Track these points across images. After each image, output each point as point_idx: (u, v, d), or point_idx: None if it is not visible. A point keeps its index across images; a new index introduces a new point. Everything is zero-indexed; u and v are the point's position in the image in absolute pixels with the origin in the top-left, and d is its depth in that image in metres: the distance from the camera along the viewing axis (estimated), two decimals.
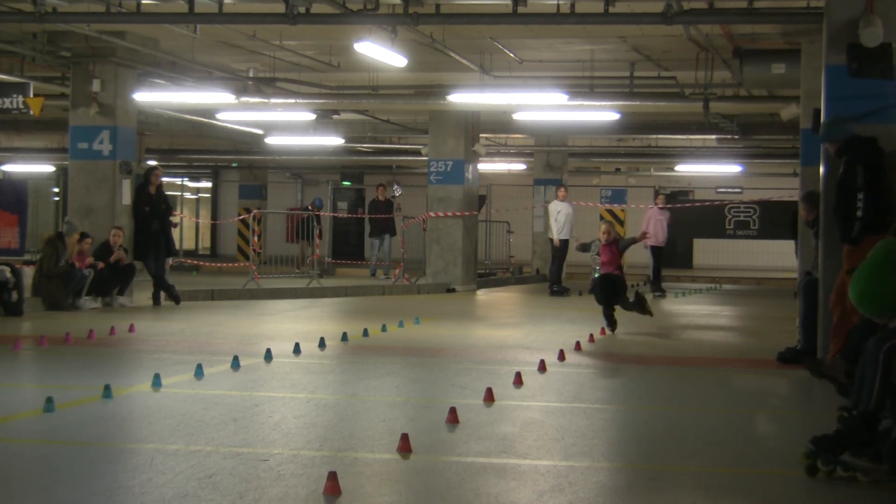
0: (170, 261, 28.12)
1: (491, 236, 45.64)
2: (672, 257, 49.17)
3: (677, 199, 52.06)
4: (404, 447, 10.06)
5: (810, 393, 14.28)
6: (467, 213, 35.23)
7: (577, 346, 18.29)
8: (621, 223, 53.82)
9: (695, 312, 29.06)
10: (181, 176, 59.99)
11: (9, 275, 23.02)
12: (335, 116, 37.71)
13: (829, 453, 9.17)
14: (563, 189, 35.23)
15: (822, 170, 15.80)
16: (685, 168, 50.29)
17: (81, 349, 17.80)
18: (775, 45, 23.05)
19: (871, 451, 9.03)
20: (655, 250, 34.57)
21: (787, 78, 22.90)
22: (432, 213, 35.47)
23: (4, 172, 53.64)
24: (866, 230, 13.92)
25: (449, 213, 35.18)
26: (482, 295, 33.77)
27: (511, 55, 28.34)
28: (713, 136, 40.98)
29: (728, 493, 9.27)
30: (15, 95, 25.35)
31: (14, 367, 16.58)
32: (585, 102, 30.42)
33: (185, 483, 8.85)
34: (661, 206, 35.71)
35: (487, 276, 38.49)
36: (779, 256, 36.07)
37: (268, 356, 16.57)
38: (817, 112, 16.46)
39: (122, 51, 26.94)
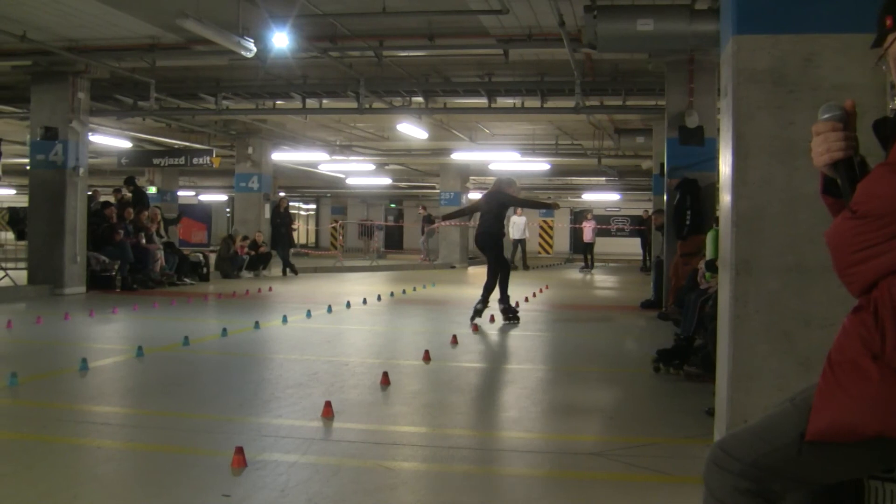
0: (291, 250, 28.69)
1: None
2: (580, 247, 52.30)
3: (584, 215, 55.51)
4: (426, 357, 10.39)
5: (658, 325, 14.60)
6: (461, 223, 36.06)
7: (526, 299, 18.90)
8: (551, 228, 55.73)
9: (595, 280, 29.72)
10: (298, 201, 60.40)
11: (202, 258, 23.91)
12: (386, 167, 38.70)
13: (667, 360, 9.67)
14: (519, 210, 36.77)
15: (665, 197, 16.59)
16: (588, 196, 51.56)
17: (241, 300, 18.32)
18: (638, 125, 24.21)
19: (693, 359, 9.43)
20: (588, 245, 35.95)
21: (645, 145, 24.20)
22: (444, 223, 36.54)
23: (199, 200, 54.96)
24: (690, 232, 15.01)
25: (452, 223, 36.11)
26: (471, 270, 34.28)
27: (487, 131, 29.42)
28: (603, 179, 41.96)
29: (610, 383, 9.66)
30: (205, 156, 26.73)
31: (204, 310, 16.96)
32: (530, 158, 31.61)
33: (300, 376, 9.25)
34: (590, 218, 37.06)
35: (473, 259, 38.40)
36: (635, 246, 37.61)
37: (347, 305, 17.09)
38: (662, 165, 17.49)
39: (265, 130, 28.00)
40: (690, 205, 15.39)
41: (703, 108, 16.05)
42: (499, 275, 14.48)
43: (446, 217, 16.61)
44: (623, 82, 19.71)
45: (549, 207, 15.16)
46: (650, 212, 25.25)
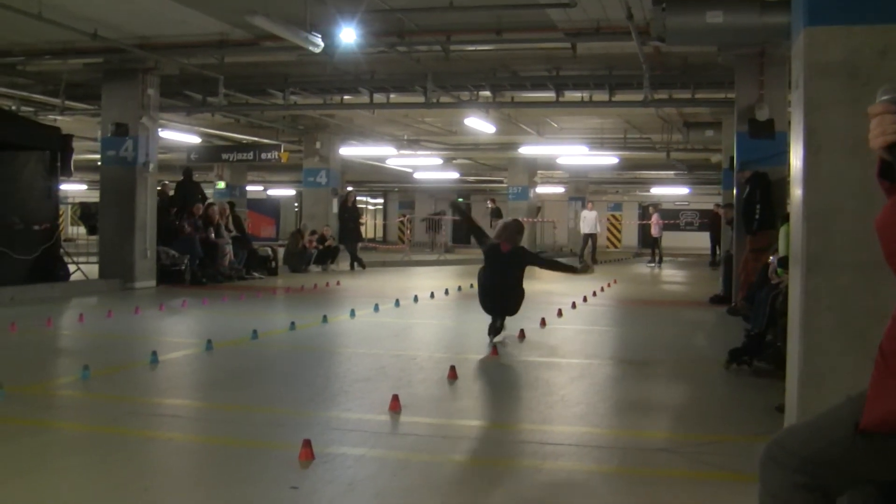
0: (359, 244, 28.65)
1: (543, 230, 46.74)
2: (649, 242, 51.88)
3: (649, 210, 55.22)
4: (493, 352, 10.46)
5: (727, 321, 14.43)
6: (529, 218, 36.28)
7: (594, 294, 18.83)
8: (619, 222, 55.37)
9: (663, 274, 29.63)
10: (365, 195, 60.42)
11: (270, 252, 24.23)
12: (453, 161, 38.83)
13: (737, 357, 9.57)
14: (590, 203, 36.36)
15: (734, 192, 16.48)
16: (656, 190, 51.13)
17: (310, 294, 18.39)
18: (707, 119, 24.09)
19: (763, 355, 9.38)
20: (655, 240, 35.67)
21: (714, 138, 23.99)
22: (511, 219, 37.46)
23: (267, 195, 55.35)
24: (760, 226, 14.80)
25: (519, 218, 37.13)
26: None
27: (554, 125, 29.34)
28: (672, 173, 41.73)
29: (679, 379, 9.60)
30: (274, 152, 26.83)
31: (273, 304, 17.20)
32: (598, 153, 31.44)
33: (368, 370, 9.31)
34: (653, 213, 36.58)
35: (542, 253, 39.73)
36: (704, 241, 37.29)
37: (415, 299, 17.16)
38: (731, 158, 17.22)
39: (333, 125, 28.22)
40: (760, 199, 15.17)
41: (773, 101, 15.84)
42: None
43: (464, 217, 13.97)
44: (692, 75, 19.59)
45: (574, 272, 12.85)
46: (720, 206, 25.05)
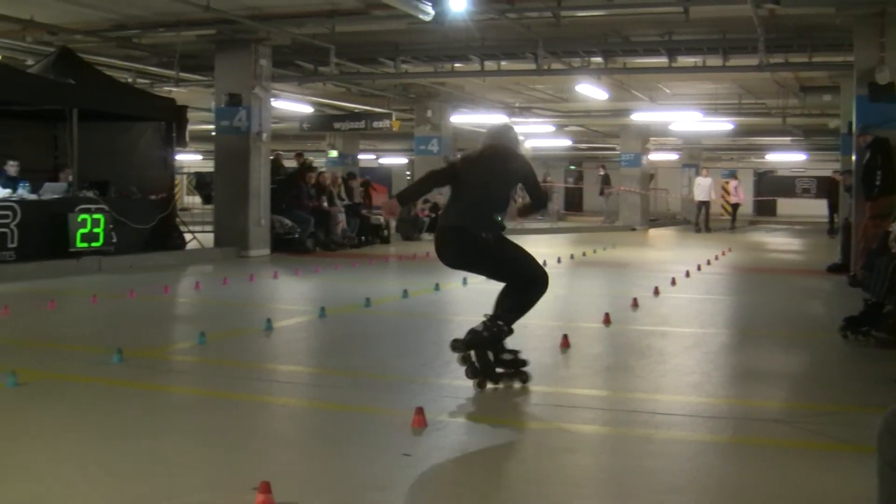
0: None
1: (657, 198, 46.16)
2: (764, 209, 52.09)
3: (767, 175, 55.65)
4: (606, 320, 10.42)
5: (846, 290, 14.15)
6: (642, 189, 36.25)
7: (708, 262, 18.64)
8: (726, 192, 55.33)
9: (777, 242, 29.38)
10: None
11: (382, 221, 24.21)
12: (565, 128, 38.62)
13: (855, 326, 9.37)
14: (704, 170, 36.15)
15: (853, 157, 16.04)
16: (771, 157, 50.42)
17: (422, 262, 18.35)
18: (825, 82, 23.29)
19: (882, 325, 9.18)
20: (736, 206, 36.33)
21: (832, 103, 23.56)
22: (622, 188, 36.78)
23: (379, 163, 55.71)
24: (881, 192, 14.47)
25: (632, 188, 36.43)
26: (651, 232, 34.20)
27: (667, 90, 28.85)
28: (788, 138, 40.74)
29: (795, 348, 9.53)
30: (385, 120, 27.10)
31: (385, 271, 17.53)
32: (712, 118, 30.86)
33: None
34: (705, 175, 35.99)
35: (654, 221, 38.74)
36: (821, 208, 36.59)
37: None
38: (850, 123, 17.05)
39: (444, 93, 28.23)
40: (881, 164, 14.79)
41: (894, 64, 15.36)
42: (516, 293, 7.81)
43: (401, 198, 7.65)
44: (808, 38, 19.16)
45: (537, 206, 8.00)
46: (837, 172, 24.57)
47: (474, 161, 7.46)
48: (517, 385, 6.98)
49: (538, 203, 7.64)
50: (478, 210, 7.17)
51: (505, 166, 7.32)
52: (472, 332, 7.07)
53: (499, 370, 7.05)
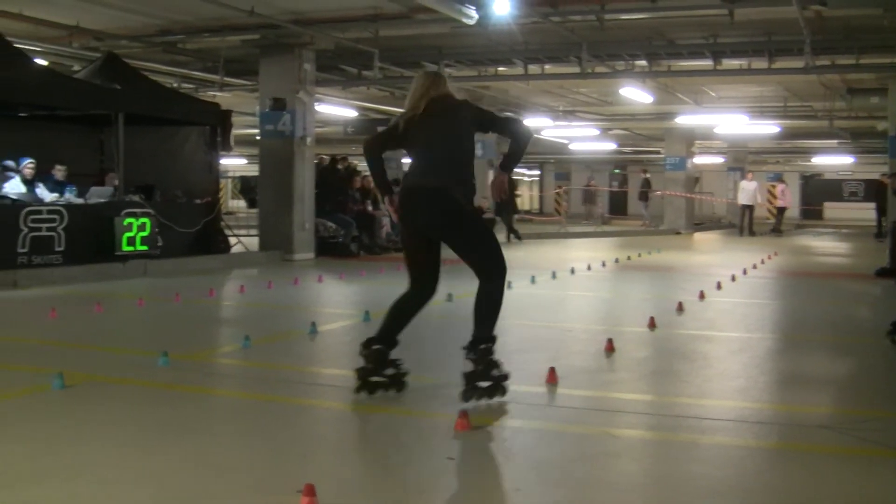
0: (515, 216, 28.83)
1: (702, 202, 45.78)
2: (810, 213, 51.40)
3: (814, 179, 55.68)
4: (651, 324, 10.33)
5: (895, 294, 14.22)
6: (686, 193, 36.18)
7: (754, 266, 18.53)
8: (772, 195, 54.90)
9: (824, 246, 29.11)
10: (521, 167, 59.57)
11: None
12: (609, 132, 38.62)
13: None
14: (750, 173, 36.10)
15: None
16: (817, 160, 50.02)
17: (466, 266, 18.77)
18: (872, 84, 23.15)
19: None
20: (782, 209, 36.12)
21: (880, 105, 23.32)
22: (665, 192, 36.68)
23: None
24: None
25: (676, 192, 36.27)
26: (696, 236, 34.04)
27: (712, 94, 28.73)
28: (835, 141, 40.71)
29: (842, 353, 9.37)
30: None
31: None
32: (758, 121, 30.85)
33: (524, 342, 9.36)
34: (751, 179, 35.69)
35: (699, 225, 38.60)
36: (869, 212, 36.24)
37: (571, 271, 17.11)
38: None
39: (487, 97, 27.89)
40: None
41: None
42: (487, 281, 7.67)
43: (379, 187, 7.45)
44: (855, 40, 19.02)
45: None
46: (886, 175, 24.28)
47: (422, 119, 6.67)
48: (496, 399, 6.66)
49: (514, 131, 6.73)
50: (448, 168, 6.63)
51: (456, 114, 6.69)
52: (468, 375, 6.59)
53: (482, 384, 6.61)
